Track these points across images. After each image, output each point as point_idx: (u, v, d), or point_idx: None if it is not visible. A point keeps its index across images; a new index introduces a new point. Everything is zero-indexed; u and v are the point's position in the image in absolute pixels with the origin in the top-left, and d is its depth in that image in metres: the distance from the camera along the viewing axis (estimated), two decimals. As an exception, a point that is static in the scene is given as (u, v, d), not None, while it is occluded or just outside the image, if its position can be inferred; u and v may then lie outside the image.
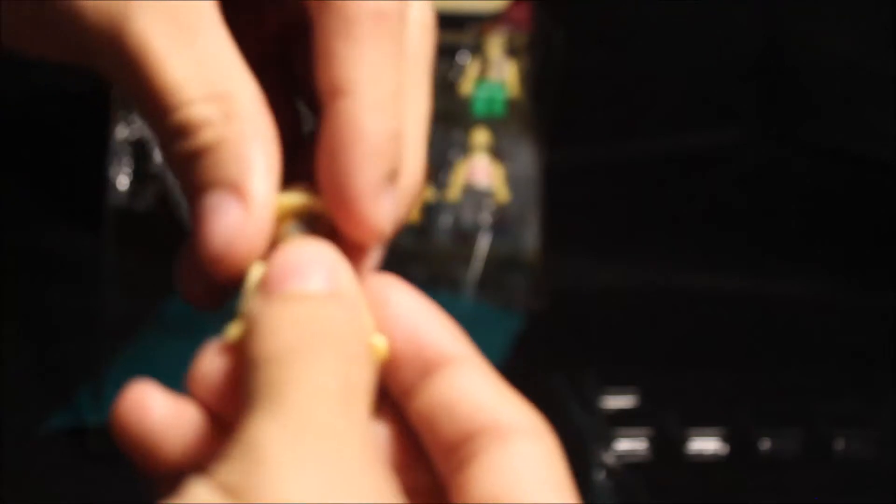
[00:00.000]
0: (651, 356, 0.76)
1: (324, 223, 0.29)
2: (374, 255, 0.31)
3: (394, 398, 0.29)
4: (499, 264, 0.80)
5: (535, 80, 0.81)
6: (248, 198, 0.27)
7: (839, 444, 0.69)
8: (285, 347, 0.25)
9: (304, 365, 0.25)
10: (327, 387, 0.25)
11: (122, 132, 0.80)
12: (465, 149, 0.80)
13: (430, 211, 0.80)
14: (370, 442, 0.25)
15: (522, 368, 0.74)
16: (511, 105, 0.79)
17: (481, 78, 0.79)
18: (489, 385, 0.29)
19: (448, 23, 0.80)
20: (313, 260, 0.27)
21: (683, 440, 0.69)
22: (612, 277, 0.84)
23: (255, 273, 0.27)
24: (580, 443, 0.69)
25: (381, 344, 0.29)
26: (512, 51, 0.80)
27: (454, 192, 0.79)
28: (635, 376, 0.72)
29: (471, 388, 0.29)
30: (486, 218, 0.79)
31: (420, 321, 0.29)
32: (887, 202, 0.87)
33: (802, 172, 0.93)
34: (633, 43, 0.94)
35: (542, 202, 0.81)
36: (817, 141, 0.94)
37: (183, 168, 0.28)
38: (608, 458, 0.67)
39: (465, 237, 0.80)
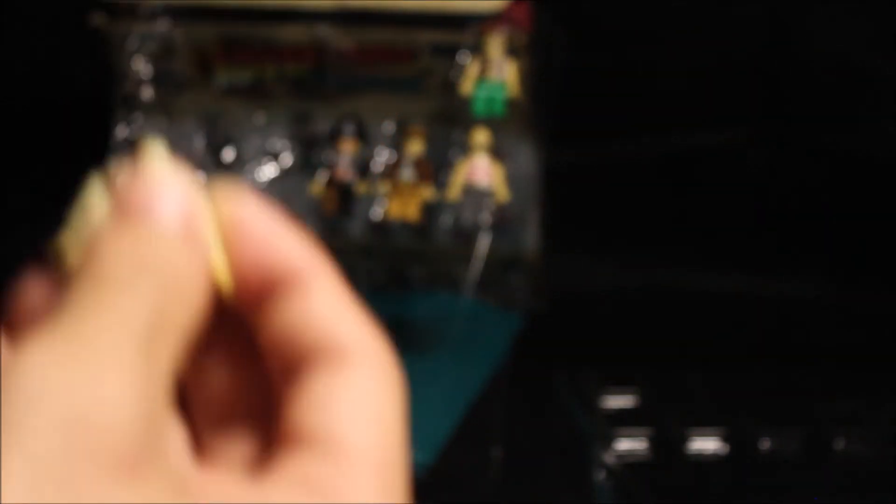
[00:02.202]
0: (651, 356, 0.76)
1: None
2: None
3: (246, 322, 0.28)
4: (499, 264, 0.80)
5: (535, 80, 0.81)
6: None
7: (839, 444, 0.69)
8: (110, 275, 0.24)
9: (121, 297, 0.24)
10: (132, 324, 0.23)
11: (122, 132, 0.80)
12: (465, 149, 0.80)
13: (430, 211, 0.80)
14: (163, 391, 0.24)
15: (522, 368, 0.74)
16: (511, 105, 0.79)
17: (481, 78, 0.79)
18: (335, 305, 0.27)
19: (448, 23, 0.80)
20: (166, 190, 0.26)
21: (683, 440, 0.69)
22: (612, 277, 0.84)
23: (96, 186, 0.26)
24: (580, 443, 0.69)
25: (225, 278, 0.27)
26: (512, 51, 0.80)
27: (454, 192, 0.79)
28: (635, 376, 0.72)
29: (314, 308, 0.27)
30: (486, 218, 0.79)
31: (271, 238, 0.27)
32: (887, 202, 0.87)
33: (802, 172, 0.93)
34: (633, 43, 0.94)
35: (542, 202, 0.81)
36: (817, 141, 0.94)
37: None
38: (608, 458, 0.67)
39: (465, 237, 0.80)
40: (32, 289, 0.26)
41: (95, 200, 0.26)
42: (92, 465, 0.22)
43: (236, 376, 0.28)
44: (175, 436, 0.26)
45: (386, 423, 0.26)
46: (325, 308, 0.27)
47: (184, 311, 0.25)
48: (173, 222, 0.25)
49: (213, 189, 0.27)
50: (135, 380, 0.23)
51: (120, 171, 0.26)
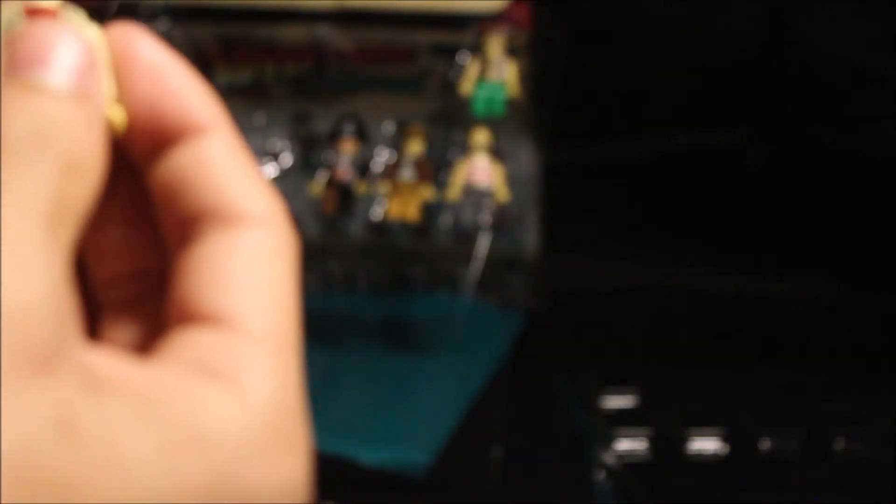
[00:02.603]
0: (651, 356, 0.76)
1: None
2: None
3: (136, 169, 0.26)
4: (499, 264, 0.80)
5: (535, 80, 0.81)
6: None
7: (839, 444, 0.69)
8: (6, 152, 0.22)
9: (18, 170, 0.22)
10: (35, 203, 0.22)
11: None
12: (465, 149, 0.80)
13: (430, 211, 0.80)
14: (67, 276, 0.22)
15: (522, 368, 0.74)
16: (511, 105, 0.79)
17: (481, 78, 0.79)
18: (231, 163, 0.25)
19: (448, 23, 0.80)
20: (62, 47, 0.24)
21: (683, 440, 0.69)
22: (612, 277, 0.84)
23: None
24: (580, 443, 0.69)
25: (119, 115, 0.25)
26: (512, 51, 0.80)
27: (454, 192, 0.79)
28: (635, 376, 0.72)
29: (209, 163, 0.25)
30: (486, 218, 0.79)
31: (167, 82, 0.25)
32: (888, 202, 0.87)
33: (802, 172, 0.93)
34: (633, 43, 0.94)
35: (542, 202, 0.81)
36: (817, 141, 0.94)
37: None
38: (608, 458, 0.67)
39: (465, 237, 0.80)
40: None
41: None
42: (5, 363, 0.20)
43: (132, 245, 0.27)
44: (76, 321, 0.23)
45: (281, 294, 0.25)
46: (219, 164, 0.25)
47: (84, 188, 0.23)
48: (68, 80, 0.24)
49: (109, 28, 0.26)
50: (41, 269, 0.21)
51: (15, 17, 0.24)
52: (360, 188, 0.80)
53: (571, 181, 0.86)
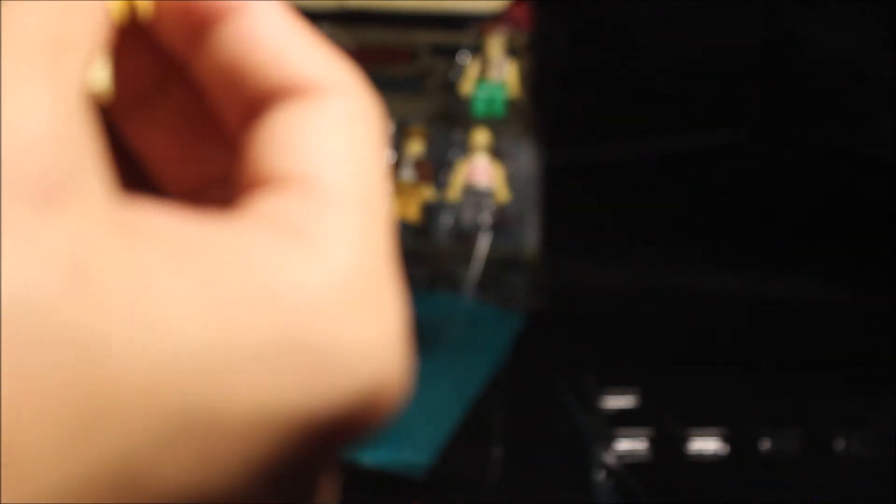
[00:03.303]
0: (651, 356, 0.76)
1: None
2: None
3: (177, 58, 0.24)
4: (499, 264, 0.80)
5: (535, 80, 0.81)
6: None
7: (839, 444, 0.69)
8: None
9: (12, 9, 0.19)
10: (31, 35, 0.19)
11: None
12: (465, 149, 0.80)
13: (430, 211, 0.80)
14: (78, 106, 0.19)
15: (522, 368, 0.74)
16: (511, 105, 0.79)
17: (481, 78, 0.79)
18: (289, 32, 0.23)
19: (448, 23, 0.80)
20: None
21: (683, 440, 0.69)
22: (612, 277, 0.84)
23: None
24: (580, 443, 0.69)
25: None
26: (512, 51, 0.80)
27: (454, 192, 0.79)
28: (635, 376, 0.72)
29: (265, 36, 0.23)
30: (486, 218, 0.79)
31: None
32: (887, 202, 0.87)
33: (802, 172, 0.93)
34: (633, 43, 0.94)
35: (542, 202, 0.81)
36: (817, 141, 0.94)
37: None
38: (608, 458, 0.67)
39: (465, 237, 0.80)
40: None
41: None
42: (5, 196, 0.17)
43: (192, 152, 0.25)
44: (97, 160, 0.20)
45: (366, 160, 0.22)
46: (277, 35, 0.23)
47: (86, 19, 0.21)
48: None
49: None
50: (44, 93, 0.19)
51: None
52: (360, 188, 0.80)
53: (571, 181, 0.86)
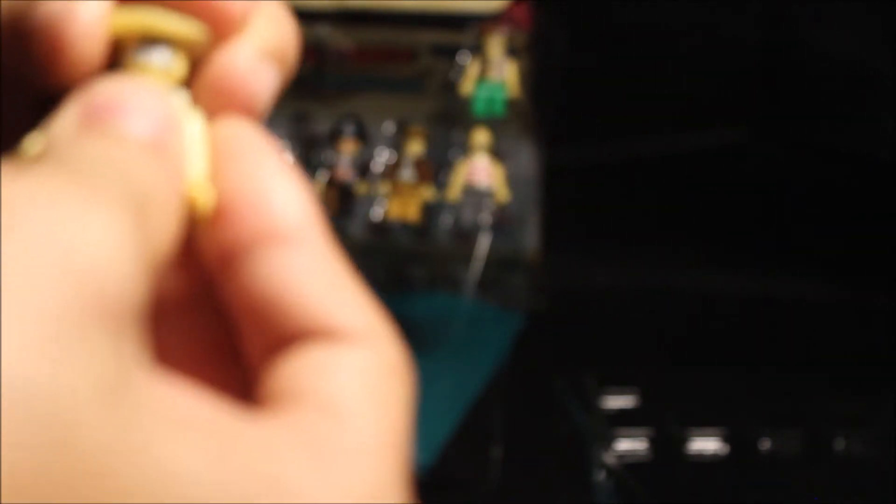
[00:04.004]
0: (651, 356, 0.76)
1: (185, 55, 0.24)
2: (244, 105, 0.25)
3: (212, 268, 0.24)
4: (499, 264, 0.80)
5: (535, 80, 0.81)
6: None
7: (839, 444, 0.69)
8: (73, 186, 0.20)
9: (97, 196, 0.20)
10: (119, 196, 0.20)
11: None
12: (465, 149, 0.80)
13: (430, 211, 0.80)
14: (149, 274, 0.20)
15: (522, 368, 0.74)
16: (511, 105, 0.79)
17: (481, 78, 0.79)
18: (327, 275, 0.23)
19: (448, 23, 0.80)
20: (143, 99, 0.22)
21: (683, 440, 0.69)
22: (612, 277, 0.84)
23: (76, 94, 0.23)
24: (580, 443, 0.69)
25: (205, 198, 0.23)
26: (512, 51, 0.80)
27: (454, 192, 0.79)
28: (635, 376, 0.72)
29: (303, 275, 0.23)
30: (486, 218, 0.79)
31: (264, 178, 0.23)
32: (887, 202, 0.87)
33: (803, 172, 0.93)
34: (633, 43, 0.94)
35: (542, 202, 0.81)
36: (818, 141, 0.94)
37: None
38: (608, 458, 0.67)
39: (465, 237, 0.80)
40: None
41: (69, 104, 0.23)
42: (69, 295, 0.18)
43: (205, 355, 0.25)
44: (146, 329, 0.21)
45: (392, 407, 0.22)
46: (312, 275, 0.23)
47: (162, 228, 0.21)
48: (142, 131, 0.22)
49: (217, 116, 0.24)
50: (128, 249, 0.19)
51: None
52: (360, 188, 0.80)
53: (571, 181, 0.86)
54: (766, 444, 0.69)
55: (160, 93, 0.23)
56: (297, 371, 0.22)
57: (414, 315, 0.78)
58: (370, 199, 0.80)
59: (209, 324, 0.24)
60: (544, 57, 0.82)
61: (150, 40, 0.24)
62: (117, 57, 0.24)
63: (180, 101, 0.24)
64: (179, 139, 0.23)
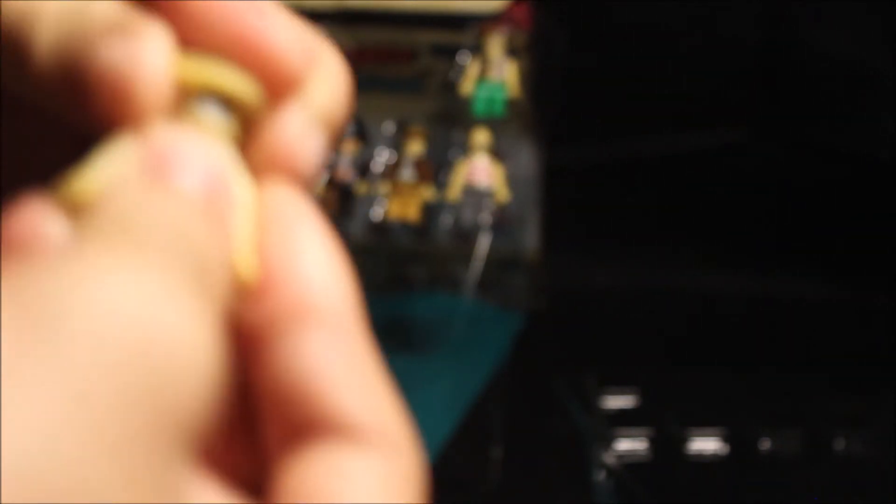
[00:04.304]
0: (651, 356, 0.76)
1: (239, 114, 0.24)
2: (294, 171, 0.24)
3: (242, 337, 0.24)
4: (499, 264, 0.80)
5: (535, 80, 0.81)
6: (140, 31, 0.22)
7: (839, 444, 0.69)
8: (123, 241, 0.20)
9: (157, 260, 0.20)
10: (178, 262, 0.20)
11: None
12: (465, 149, 0.80)
13: (430, 211, 0.80)
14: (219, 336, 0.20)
15: (522, 368, 0.74)
16: (511, 105, 0.79)
17: (481, 78, 0.79)
18: (354, 367, 0.22)
19: (448, 23, 0.80)
20: (196, 154, 0.22)
21: (683, 440, 0.69)
22: (612, 277, 0.84)
23: (126, 139, 0.23)
24: (580, 443, 0.69)
25: (248, 267, 0.23)
26: (512, 51, 0.80)
27: (454, 192, 0.79)
28: (635, 376, 0.72)
29: (330, 364, 0.22)
30: (486, 218, 0.79)
31: (305, 256, 0.23)
32: (887, 202, 0.87)
33: (803, 172, 0.93)
34: (633, 43, 0.94)
35: (542, 202, 0.81)
36: (818, 141, 0.94)
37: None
38: (608, 458, 0.67)
39: (465, 237, 0.80)
40: (28, 217, 0.21)
41: (121, 148, 0.22)
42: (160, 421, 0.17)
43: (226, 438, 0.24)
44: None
45: None
46: (345, 369, 0.22)
47: (218, 289, 0.21)
48: (200, 189, 0.22)
49: (269, 185, 0.24)
50: (199, 312, 0.19)
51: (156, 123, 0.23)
52: (361, 188, 0.80)
53: (571, 181, 0.86)
54: (766, 444, 0.69)
55: (217, 150, 0.23)
56: (313, 472, 0.22)
57: (414, 315, 0.78)
58: (370, 199, 0.80)
59: (230, 400, 0.23)
60: (544, 57, 0.82)
61: (209, 94, 0.24)
62: (174, 104, 0.24)
63: (232, 162, 0.23)
64: (232, 202, 0.22)
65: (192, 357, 0.18)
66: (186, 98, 0.23)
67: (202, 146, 0.22)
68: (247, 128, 0.24)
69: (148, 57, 0.23)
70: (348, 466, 0.21)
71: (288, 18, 0.24)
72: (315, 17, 0.80)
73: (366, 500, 0.21)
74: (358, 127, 0.81)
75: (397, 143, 0.81)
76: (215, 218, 0.22)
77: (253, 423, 0.23)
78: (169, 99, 0.23)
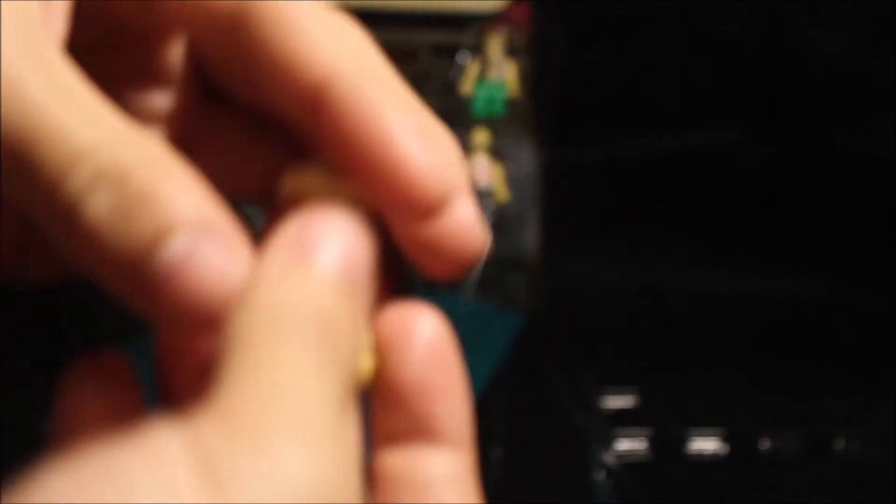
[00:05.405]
0: (651, 356, 0.76)
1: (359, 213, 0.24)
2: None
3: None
4: (499, 264, 0.80)
5: (535, 80, 0.81)
6: (220, 225, 0.21)
7: (839, 444, 0.69)
8: (270, 327, 0.20)
9: (289, 354, 0.20)
10: (322, 385, 0.20)
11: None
12: (464, 149, 0.80)
13: (430, 211, 0.80)
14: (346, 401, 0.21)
15: (522, 368, 0.74)
16: (511, 105, 0.79)
17: (481, 78, 0.79)
18: (460, 485, 0.24)
19: (448, 23, 0.80)
20: (330, 232, 0.22)
21: (683, 440, 0.69)
22: (612, 277, 0.84)
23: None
24: (580, 443, 0.69)
25: (368, 365, 0.24)
26: (512, 51, 0.80)
27: (454, 192, 0.79)
28: (635, 376, 0.72)
29: (436, 486, 0.24)
30: (486, 218, 0.79)
31: (431, 381, 0.24)
32: (887, 202, 0.87)
33: (802, 172, 0.93)
34: (633, 43, 0.94)
35: (542, 202, 0.81)
36: (817, 141, 0.94)
37: (106, 236, 0.21)
38: (608, 458, 0.67)
39: (465, 237, 0.80)
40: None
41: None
42: None
43: None
44: None
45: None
46: (449, 487, 0.24)
47: (348, 381, 0.21)
48: (336, 268, 0.22)
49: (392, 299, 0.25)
50: (339, 458, 0.20)
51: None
52: (360, 188, 0.80)
53: (571, 181, 0.86)
54: (766, 444, 0.69)
55: (354, 227, 0.23)
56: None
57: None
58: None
59: None
60: (544, 57, 0.82)
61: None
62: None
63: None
64: (366, 283, 0.23)
65: None
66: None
67: (337, 223, 0.23)
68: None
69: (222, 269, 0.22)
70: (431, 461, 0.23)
71: (429, 136, 0.24)
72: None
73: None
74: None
75: (397, 143, 0.81)
76: (353, 303, 0.22)
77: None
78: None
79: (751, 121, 0.96)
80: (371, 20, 0.86)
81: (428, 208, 0.25)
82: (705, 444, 0.69)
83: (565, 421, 0.70)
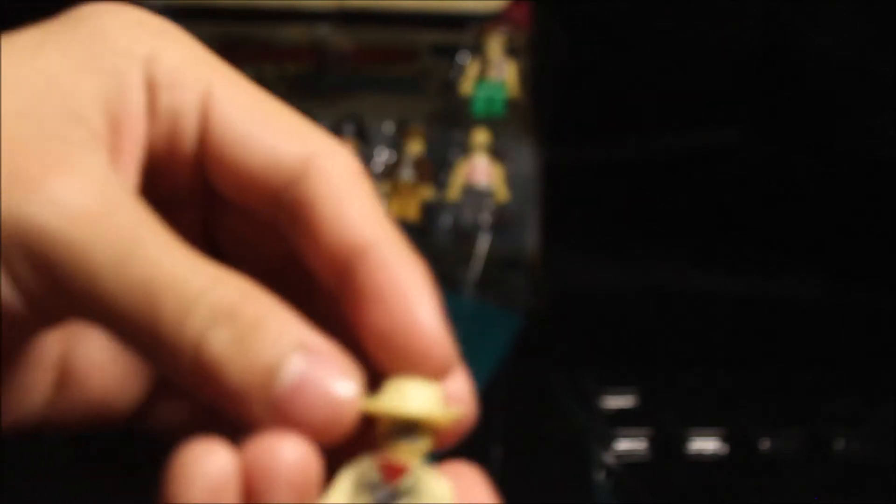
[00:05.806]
0: (651, 356, 0.76)
1: (432, 435, 0.27)
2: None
3: None
4: (499, 264, 0.80)
5: (535, 80, 0.81)
6: (326, 348, 0.25)
7: (839, 444, 0.69)
8: None
9: None
10: None
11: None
12: (464, 149, 0.80)
13: (429, 211, 0.80)
14: None
15: (522, 368, 0.74)
16: (511, 105, 0.79)
17: (481, 78, 0.79)
18: None
19: (448, 23, 0.80)
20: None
21: (683, 440, 0.69)
22: (612, 277, 0.84)
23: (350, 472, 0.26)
24: (580, 443, 0.69)
25: None
26: (512, 51, 0.80)
27: (454, 192, 0.79)
28: (635, 376, 0.72)
29: None
30: (486, 218, 0.79)
31: None
32: (887, 202, 0.87)
33: (802, 172, 0.93)
34: (633, 43, 0.94)
35: (542, 202, 0.81)
36: (817, 141, 0.94)
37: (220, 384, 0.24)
38: (608, 458, 0.67)
39: (465, 237, 0.80)
40: None
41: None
42: None
43: None
44: None
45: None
46: None
47: None
48: None
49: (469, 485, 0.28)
50: None
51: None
52: (360, 188, 0.80)
53: (571, 181, 0.86)
54: (766, 444, 0.69)
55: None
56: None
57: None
58: (370, 199, 0.80)
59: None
60: (544, 57, 0.82)
61: (407, 424, 0.26)
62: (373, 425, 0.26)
63: (426, 472, 0.27)
64: None
65: None
66: (387, 423, 0.26)
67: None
68: (436, 433, 0.27)
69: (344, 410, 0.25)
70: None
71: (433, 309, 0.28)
72: (315, 17, 0.80)
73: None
74: (358, 127, 0.81)
75: (397, 143, 0.81)
76: None
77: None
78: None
79: (750, 121, 0.96)
80: (371, 20, 0.87)
81: (437, 374, 0.27)
82: (705, 444, 0.69)
83: (565, 421, 0.70)
